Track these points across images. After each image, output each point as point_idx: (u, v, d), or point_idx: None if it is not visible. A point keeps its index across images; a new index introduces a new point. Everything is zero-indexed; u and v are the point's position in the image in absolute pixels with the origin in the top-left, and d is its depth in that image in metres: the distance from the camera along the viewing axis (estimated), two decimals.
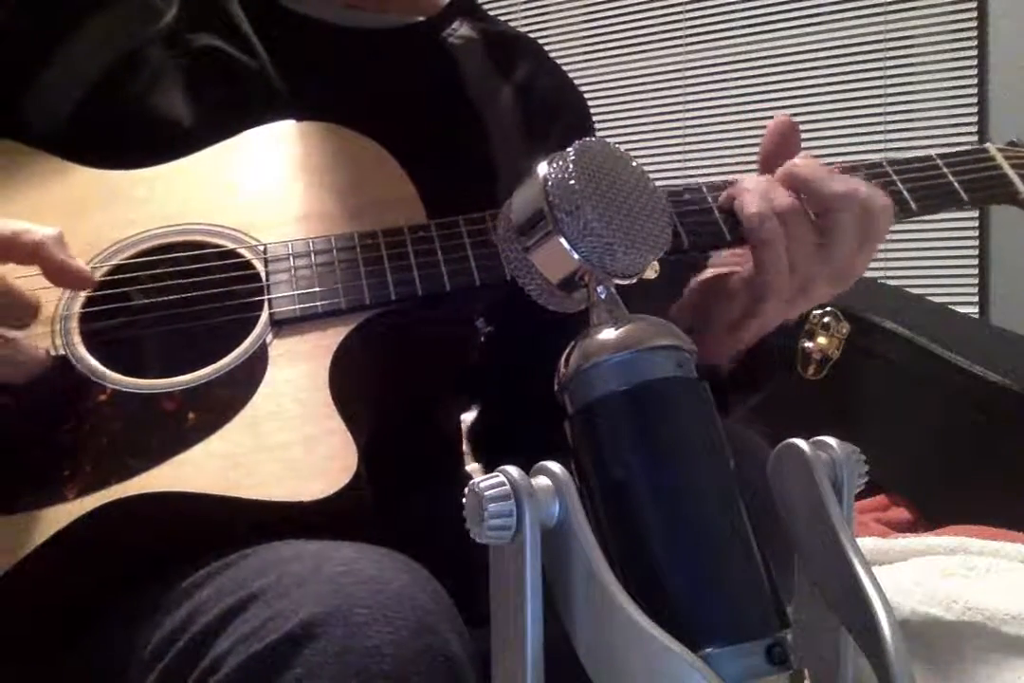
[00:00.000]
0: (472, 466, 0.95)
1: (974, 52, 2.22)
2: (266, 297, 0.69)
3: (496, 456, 0.92)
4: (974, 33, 2.22)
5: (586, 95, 1.00)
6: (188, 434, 0.63)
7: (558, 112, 0.93)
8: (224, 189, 0.75)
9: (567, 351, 0.41)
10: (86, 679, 0.61)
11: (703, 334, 0.72)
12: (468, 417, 0.97)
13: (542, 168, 0.42)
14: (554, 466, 0.38)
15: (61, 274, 0.65)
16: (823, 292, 0.70)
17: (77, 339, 0.68)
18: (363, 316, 0.68)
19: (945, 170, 0.78)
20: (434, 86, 0.88)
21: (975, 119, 2.22)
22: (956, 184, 0.78)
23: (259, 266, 0.70)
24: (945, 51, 2.27)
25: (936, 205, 0.78)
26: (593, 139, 0.43)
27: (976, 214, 2.19)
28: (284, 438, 0.62)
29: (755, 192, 0.68)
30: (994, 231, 2.20)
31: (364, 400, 0.68)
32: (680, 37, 2.59)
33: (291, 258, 0.70)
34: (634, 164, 0.43)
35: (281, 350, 0.67)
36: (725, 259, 0.73)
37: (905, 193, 0.76)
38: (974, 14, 2.22)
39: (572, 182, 0.41)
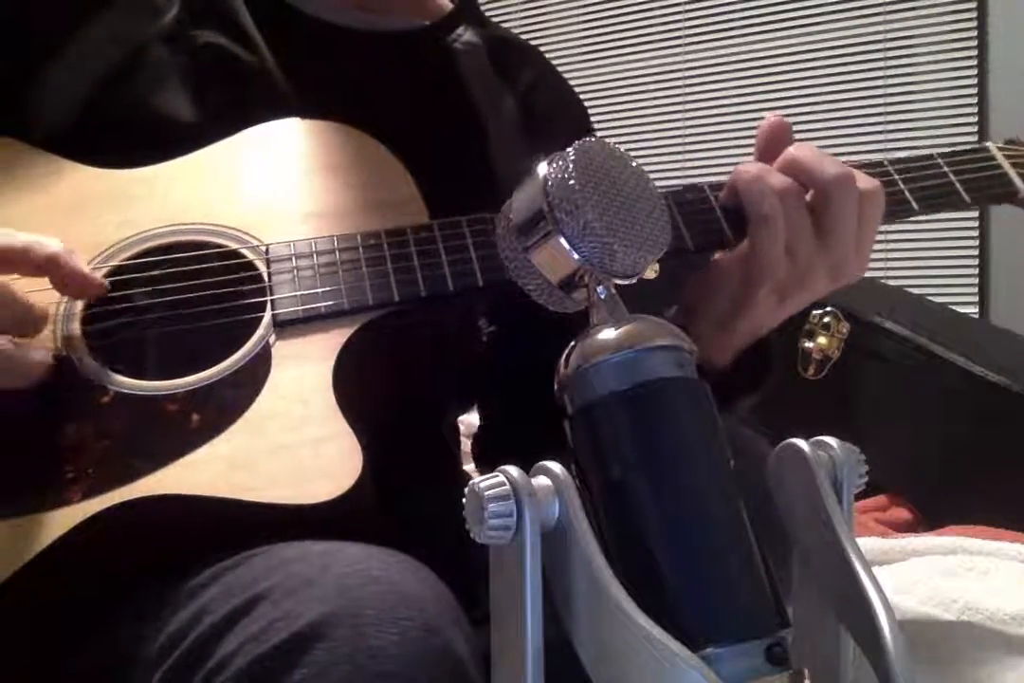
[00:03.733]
0: (470, 466, 0.94)
1: (974, 52, 2.22)
2: (269, 298, 0.68)
3: (499, 460, 0.92)
4: (974, 33, 2.22)
5: (586, 95, 1.01)
6: (192, 436, 0.62)
7: (559, 119, 0.93)
8: (225, 188, 0.75)
9: (567, 351, 0.41)
10: (90, 680, 0.61)
11: (693, 330, 0.72)
12: (468, 419, 0.97)
13: (542, 168, 0.42)
14: (554, 466, 0.38)
15: (79, 285, 0.66)
16: (821, 285, 0.70)
17: (79, 341, 0.67)
18: (366, 317, 0.68)
19: (946, 169, 0.78)
20: (438, 89, 0.88)
21: (975, 119, 2.22)
22: (957, 184, 0.78)
23: (261, 266, 0.70)
24: (945, 51, 2.27)
25: (937, 205, 0.78)
26: (593, 139, 0.43)
27: (976, 214, 2.19)
28: (289, 440, 0.62)
29: (753, 173, 0.70)
30: (994, 231, 2.20)
31: (368, 401, 0.67)
32: (680, 37, 2.59)
33: (293, 258, 0.70)
34: (634, 164, 0.43)
35: (284, 351, 0.66)
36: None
37: (906, 193, 0.76)
38: (974, 14, 2.22)
39: (572, 182, 0.41)
